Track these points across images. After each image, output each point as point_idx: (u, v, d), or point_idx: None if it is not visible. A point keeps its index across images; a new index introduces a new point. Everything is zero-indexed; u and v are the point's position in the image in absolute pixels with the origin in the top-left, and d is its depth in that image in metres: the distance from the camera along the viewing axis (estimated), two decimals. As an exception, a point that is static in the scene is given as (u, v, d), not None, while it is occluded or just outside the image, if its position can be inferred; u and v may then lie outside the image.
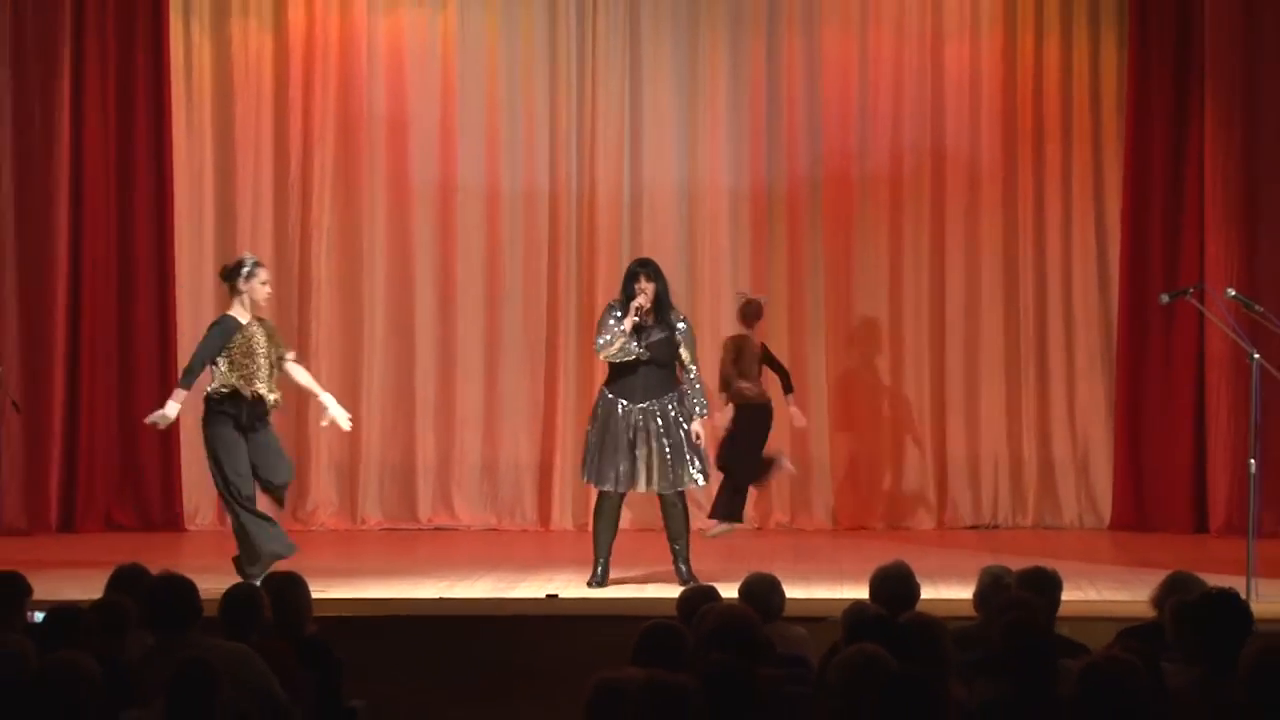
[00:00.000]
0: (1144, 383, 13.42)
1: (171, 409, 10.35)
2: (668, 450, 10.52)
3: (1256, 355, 10.33)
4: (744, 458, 12.73)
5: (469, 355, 13.86)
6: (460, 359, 13.86)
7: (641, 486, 10.63)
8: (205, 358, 10.29)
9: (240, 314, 10.39)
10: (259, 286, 10.48)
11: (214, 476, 10.45)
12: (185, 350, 13.47)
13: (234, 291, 10.44)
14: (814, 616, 7.99)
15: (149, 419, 10.46)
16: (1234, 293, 11.20)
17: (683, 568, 10.64)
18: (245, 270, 10.42)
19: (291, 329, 13.74)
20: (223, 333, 10.32)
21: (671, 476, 10.58)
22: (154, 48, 13.55)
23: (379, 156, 13.87)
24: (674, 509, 10.71)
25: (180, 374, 10.50)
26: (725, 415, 12.60)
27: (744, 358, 12.73)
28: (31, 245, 13.22)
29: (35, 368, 13.17)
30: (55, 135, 13.23)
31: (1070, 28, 13.74)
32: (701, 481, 10.74)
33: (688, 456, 10.58)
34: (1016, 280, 13.76)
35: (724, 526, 12.74)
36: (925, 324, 13.81)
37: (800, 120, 13.81)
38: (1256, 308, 11.10)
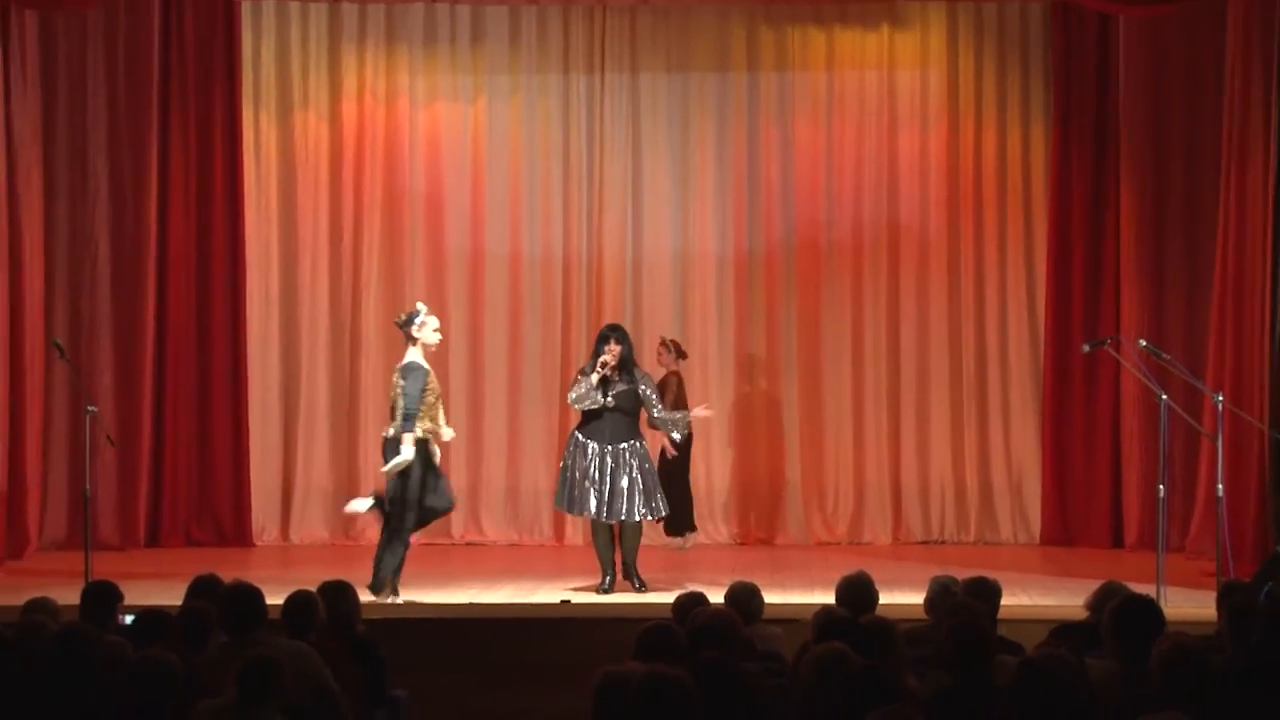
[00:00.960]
0: (1068, 419, 13.40)
1: (407, 452, 10.17)
2: (624, 486, 10.65)
3: (1164, 396, 10.34)
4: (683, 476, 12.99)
5: (495, 397, 13.85)
6: (487, 400, 13.84)
7: (608, 515, 10.79)
8: (418, 401, 10.16)
9: (422, 360, 10.31)
10: (431, 334, 10.40)
11: (391, 503, 10.34)
12: (255, 394, 13.56)
13: (410, 340, 10.35)
14: (788, 619, 7.96)
15: (386, 469, 10.21)
16: (1145, 343, 11.21)
17: (635, 579, 10.85)
18: (419, 319, 10.35)
19: (345, 375, 13.78)
20: (424, 376, 10.22)
21: (628, 508, 10.78)
22: (229, 136, 13.55)
23: (419, 228, 13.88)
24: (631, 532, 10.92)
25: (401, 421, 10.20)
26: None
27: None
28: (123, 305, 13.21)
29: (127, 409, 13.15)
30: (145, 211, 13.23)
31: (1005, 120, 13.74)
32: (650, 517, 10.88)
33: (641, 492, 10.74)
34: (960, 332, 13.75)
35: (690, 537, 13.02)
36: (883, 369, 13.79)
37: (776, 197, 13.81)
38: (1164, 356, 11.11)
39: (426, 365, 10.36)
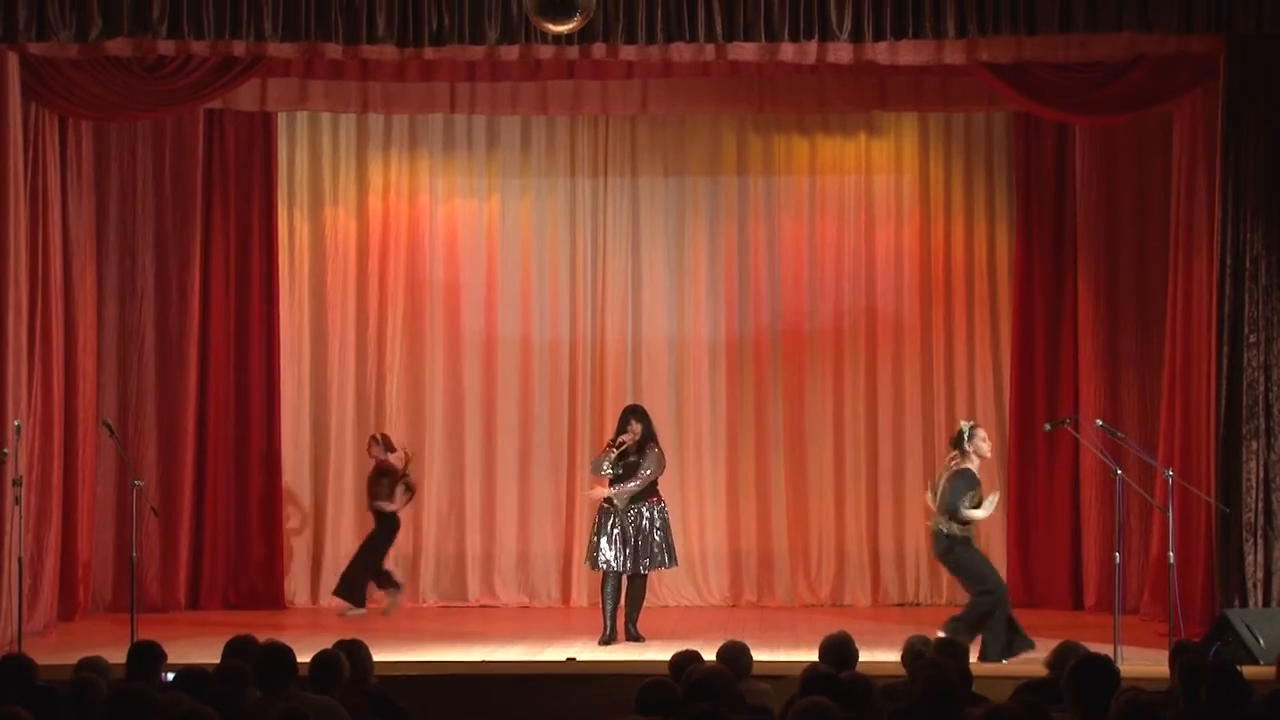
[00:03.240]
0: (1031, 491, 13.39)
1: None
2: (640, 543, 10.93)
3: (1119, 471, 10.38)
4: (372, 556, 12.93)
5: (507, 470, 13.85)
6: (500, 472, 13.84)
7: (623, 568, 11.21)
8: (956, 500, 10.32)
9: (974, 467, 10.45)
10: (981, 444, 10.49)
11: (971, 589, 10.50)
12: (288, 468, 13.58)
13: (963, 452, 10.46)
14: (775, 675, 7.96)
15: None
16: (1101, 423, 11.25)
17: (633, 629, 11.21)
18: (967, 434, 10.50)
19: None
20: (967, 483, 10.35)
21: (645, 561, 11.24)
22: (265, 231, 13.61)
23: (438, 314, 13.92)
24: (636, 585, 11.30)
25: (943, 511, 10.41)
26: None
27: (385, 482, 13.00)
28: (167, 388, 13.23)
29: (169, 482, 13.15)
30: (188, 302, 13.27)
31: (972, 218, 13.82)
32: (666, 565, 11.41)
33: (656, 548, 11.21)
34: (932, 410, 13.75)
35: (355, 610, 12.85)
36: (862, 445, 13.79)
37: (763, 288, 13.87)
38: (1119, 434, 11.16)
39: (976, 473, 10.50)
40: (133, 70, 11.54)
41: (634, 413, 11.39)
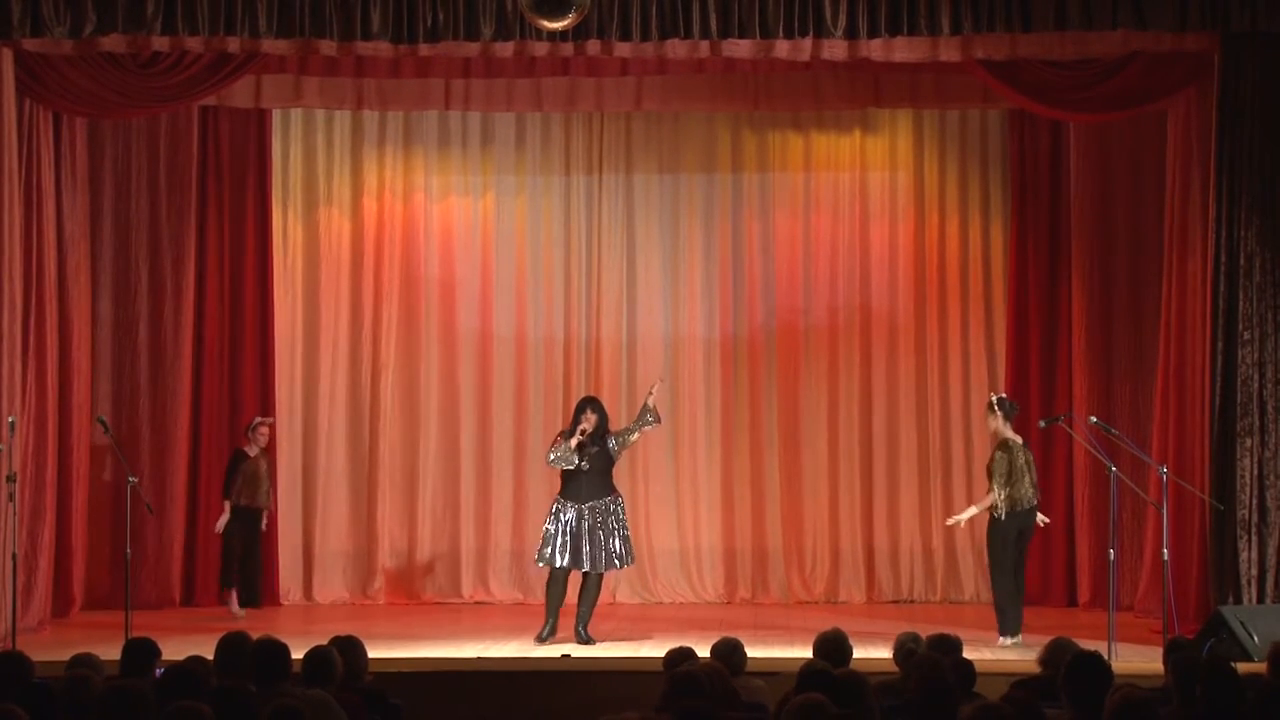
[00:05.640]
0: (1026, 488, 13.39)
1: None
2: (595, 539, 10.82)
3: (1114, 468, 10.38)
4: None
5: (502, 467, 13.85)
6: (495, 470, 13.84)
7: (582, 566, 11.02)
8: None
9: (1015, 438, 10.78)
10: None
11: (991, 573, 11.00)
12: (283, 465, 13.54)
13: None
14: (770, 672, 7.95)
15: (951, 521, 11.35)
16: (1096, 420, 11.24)
17: (582, 630, 11.00)
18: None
19: (364, 447, 13.77)
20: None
21: (592, 560, 11.01)
22: (260, 230, 13.61)
23: (433, 312, 13.92)
24: (592, 584, 11.11)
25: None
26: None
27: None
28: (161, 385, 13.21)
29: (163, 478, 13.13)
30: (182, 300, 13.26)
31: (966, 215, 13.83)
32: (619, 566, 11.25)
33: (616, 547, 11.02)
34: (927, 408, 13.77)
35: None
36: (856, 442, 13.79)
37: (758, 285, 13.87)
38: (1113, 431, 11.16)
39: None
40: (127, 67, 11.53)
41: (591, 402, 11.29)
